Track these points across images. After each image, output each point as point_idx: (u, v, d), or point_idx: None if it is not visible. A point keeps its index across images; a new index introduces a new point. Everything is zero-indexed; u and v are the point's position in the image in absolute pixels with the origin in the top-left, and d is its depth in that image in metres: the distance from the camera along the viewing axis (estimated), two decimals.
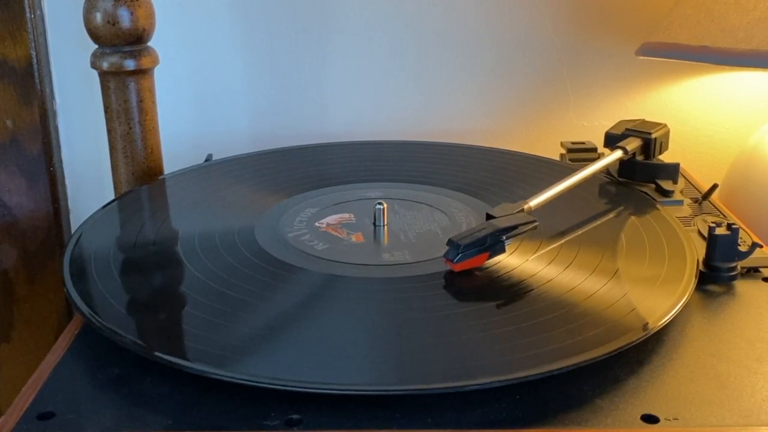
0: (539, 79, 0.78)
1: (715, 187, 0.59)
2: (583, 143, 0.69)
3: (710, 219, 0.54)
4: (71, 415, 0.36)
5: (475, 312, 0.42)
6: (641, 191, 0.58)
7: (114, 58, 0.59)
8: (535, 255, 0.48)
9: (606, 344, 0.38)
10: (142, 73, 0.61)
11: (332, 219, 0.54)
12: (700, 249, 0.48)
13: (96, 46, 0.60)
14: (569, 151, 0.67)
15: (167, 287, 0.46)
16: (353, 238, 0.51)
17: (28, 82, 0.72)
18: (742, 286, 0.47)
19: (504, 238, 0.46)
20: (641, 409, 0.36)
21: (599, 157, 0.63)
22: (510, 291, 0.44)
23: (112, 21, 0.58)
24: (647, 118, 0.63)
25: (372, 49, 0.77)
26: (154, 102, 0.63)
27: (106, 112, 0.62)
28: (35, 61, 0.72)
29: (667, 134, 0.61)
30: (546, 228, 0.51)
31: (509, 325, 0.40)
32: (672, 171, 0.59)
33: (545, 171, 0.62)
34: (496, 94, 0.78)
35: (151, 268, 0.48)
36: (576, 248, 0.49)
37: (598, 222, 0.53)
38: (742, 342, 0.41)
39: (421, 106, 0.79)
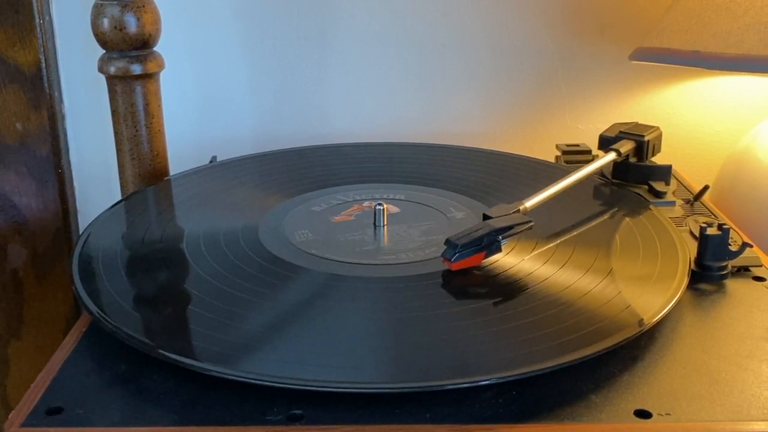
0: (535, 83, 0.78)
1: (706, 188, 0.59)
2: (578, 145, 0.69)
3: (702, 219, 0.55)
4: (79, 410, 0.36)
5: (472, 310, 0.43)
6: (634, 192, 0.59)
7: (121, 63, 0.60)
8: (531, 254, 0.49)
9: (600, 342, 0.39)
10: (149, 77, 0.61)
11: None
12: (691, 249, 0.49)
13: (103, 51, 0.61)
14: (564, 153, 0.67)
15: (173, 286, 0.46)
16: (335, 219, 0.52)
17: (37, 86, 0.73)
18: (732, 284, 0.48)
19: (500, 237, 0.47)
20: (634, 404, 0.37)
21: (593, 159, 0.64)
22: (506, 290, 0.45)
23: (119, 26, 0.59)
24: (640, 121, 0.63)
25: (372, 55, 0.77)
26: (159, 105, 0.63)
27: (113, 115, 0.62)
28: (44, 65, 0.72)
29: (659, 137, 0.61)
30: (541, 228, 0.51)
31: (505, 323, 0.41)
32: (664, 173, 0.60)
33: (541, 172, 0.63)
34: (494, 98, 0.78)
35: (157, 268, 0.48)
36: (571, 248, 0.49)
37: (593, 222, 0.54)
38: (732, 339, 0.42)
39: (420, 110, 0.79)
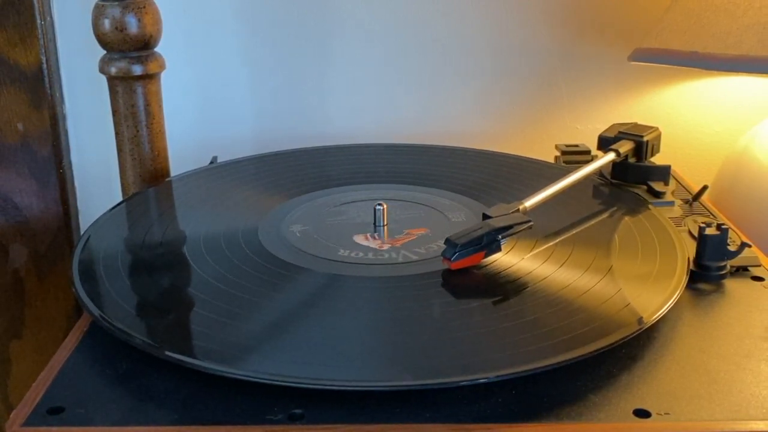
0: (535, 83, 0.78)
1: (705, 188, 0.59)
2: (577, 146, 0.69)
3: (700, 219, 0.55)
4: (80, 410, 0.36)
5: (471, 309, 0.43)
6: (634, 192, 0.59)
7: (122, 64, 0.60)
8: (531, 254, 0.49)
9: (599, 340, 0.39)
10: (149, 77, 0.62)
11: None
12: (690, 248, 0.49)
13: (104, 52, 0.61)
14: (563, 153, 0.67)
15: (173, 287, 0.46)
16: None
17: (39, 87, 0.73)
18: (731, 284, 0.48)
19: (500, 237, 0.47)
20: (633, 403, 0.37)
21: (593, 159, 0.64)
22: (506, 288, 0.45)
23: (120, 27, 0.59)
24: (640, 122, 0.63)
25: (372, 55, 0.77)
26: (160, 106, 0.64)
27: (114, 115, 0.62)
28: (45, 66, 0.72)
29: (658, 137, 0.61)
30: (541, 227, 0.51)
31: (505, 322, 0.41)
32: (663, 173, 0.60)
33: (540, 173, 0.63)
34: (493, 98, 0.79)
35: (157, 269, 0.48)
36: (570, 247, 0.49)
37: (592, 222, 0.54)
38: (731, 339, 0.42)
39: (420, 110, 0.79)
